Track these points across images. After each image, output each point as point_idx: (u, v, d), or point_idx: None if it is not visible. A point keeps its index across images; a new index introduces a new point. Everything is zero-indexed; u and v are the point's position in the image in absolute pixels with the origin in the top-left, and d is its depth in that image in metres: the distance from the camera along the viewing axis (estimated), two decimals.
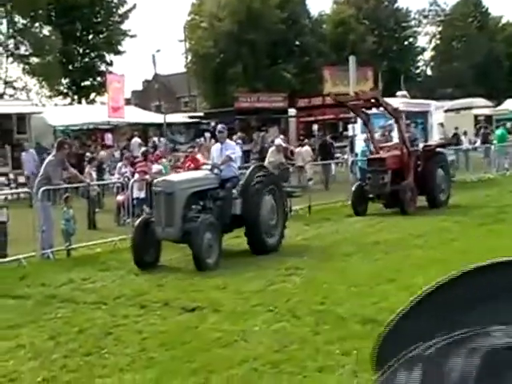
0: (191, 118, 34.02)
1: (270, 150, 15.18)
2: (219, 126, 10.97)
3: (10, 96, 39.09)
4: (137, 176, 13.36)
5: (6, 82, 39.83)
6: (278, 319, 6.50)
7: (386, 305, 6.70)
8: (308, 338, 5.88)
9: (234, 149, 10.57)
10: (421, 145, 15.36)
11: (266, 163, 14.85)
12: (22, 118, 23.78)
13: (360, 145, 17.95)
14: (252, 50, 38.86)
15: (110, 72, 36.02)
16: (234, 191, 10.01)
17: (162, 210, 9.28)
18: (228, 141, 10.96)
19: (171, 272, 9.09)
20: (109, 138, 28.38)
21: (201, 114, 36.92)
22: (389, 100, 15.36)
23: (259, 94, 35.62)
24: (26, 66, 40.74)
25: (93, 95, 44.13)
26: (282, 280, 8.26)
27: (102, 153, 23.55)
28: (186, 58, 45.23)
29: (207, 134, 28.24)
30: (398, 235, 11.16)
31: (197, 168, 14.69)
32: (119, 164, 17.44)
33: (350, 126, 22.45)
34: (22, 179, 20.89)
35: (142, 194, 13.11)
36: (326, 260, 9.41)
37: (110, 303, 7.50)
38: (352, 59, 20.02)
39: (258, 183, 10.03)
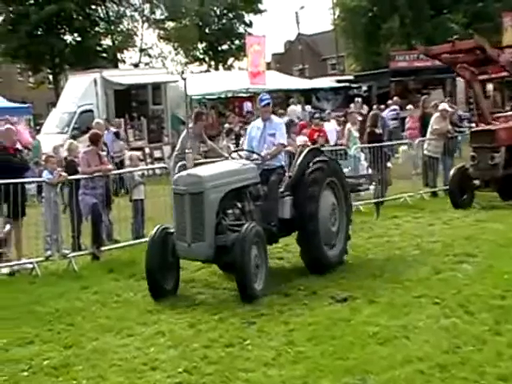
0: (339, 81, 33.69)
1: (434, 116, 14.53)
2: (262, 96, 8.86)
3: (146, 64, 41.40)
4: None
5: (141, 50, 42.27)
6: (446, 314, 6.29)
7: None
8: (486, 338, 5.62)
9: (281, 130, 8.67)
10: None
11: (428, 131, 14.29)
12: (157, 87, 24.92)
13: None
14: (411, 0, 37.45)
15: (250, 34, 36.65)
16: (281, 186, 8.36)
17: (187, 218, 7.47)
18: (273, 117, 8.97)
19: None
20: (248, 106, 28.92)
21: (350, 77, 36.42)
22: None
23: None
24: (162, 32, 42.89)
25: (230, 60, 45.48)
26: (451, 268, 7.98)
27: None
28: (334, 13, 44.89)
29: (358, 100, 27.78)
30: None
31: (326, 141, 14.37)
32: (241, 140, 17.60)
33: None
34: (158, 154, 22.01)
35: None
36: (507, 245, 8.91)
37: None
38: None
39: (315, 174, 8.25)
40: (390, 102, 24.93)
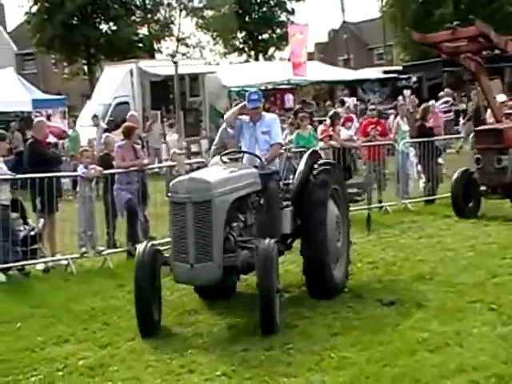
0: (386, 72, 33.41)
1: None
2: (250, 95, 7.77)
3: (183, 55, 41.76)
4: (321, 144, 13.29)
5: (178, 40, 42.61)
6: (504, 321, 6.19)
7: None
8: None
9: (276, 127, 7.81)
10: None
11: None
12: (194, 78, 25.05)
13: None
14: None
15: (292, 22, 36.63)
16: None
17: (190, 232, 6.47)
18: (265, 114, 7.99)
19: (359, 258, 8.92)
20: (289, 99, 28.88)
21: (398, 67, 36.10)
22: None
23: None
24: (200, 21, 43.20)
25: (271, 50, 45.52)
26: (509, 272, 7.84)
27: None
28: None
29: (407, 92, 27.50)
30: None
31: (383, 135, 14.06)
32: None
33: None
34: (195, 148, 22.09)
35: None
36: None
37: (295, 291, 7.66)
38: None
39: (321, 182, 7.50)
40: (441, 93, 24.61)
